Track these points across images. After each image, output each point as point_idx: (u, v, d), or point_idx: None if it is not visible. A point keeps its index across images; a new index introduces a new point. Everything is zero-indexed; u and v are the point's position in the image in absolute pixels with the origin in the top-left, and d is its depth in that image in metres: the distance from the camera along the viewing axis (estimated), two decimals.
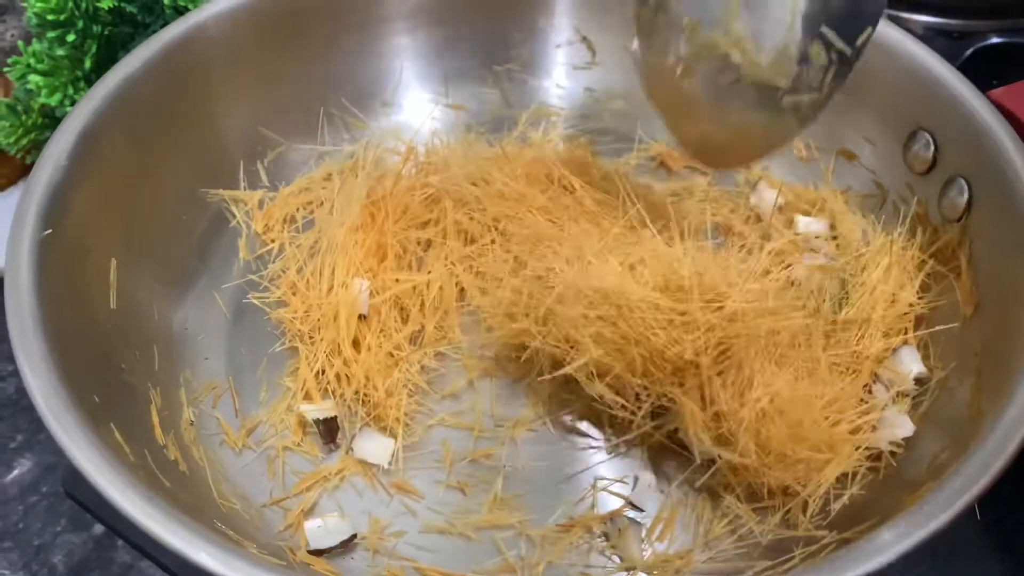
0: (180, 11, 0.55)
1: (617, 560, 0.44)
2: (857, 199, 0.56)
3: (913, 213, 0.52)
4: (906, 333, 0.50)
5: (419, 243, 0.54)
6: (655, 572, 0.43)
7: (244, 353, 0.51)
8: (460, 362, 0.51)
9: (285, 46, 0.57)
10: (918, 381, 0.48)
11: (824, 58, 0.45)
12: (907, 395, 0.48)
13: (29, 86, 0.54)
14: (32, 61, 0.54)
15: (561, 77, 0.64)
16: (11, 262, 0.42)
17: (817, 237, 0.55)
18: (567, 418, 0.49)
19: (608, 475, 0.47)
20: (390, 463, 0.47)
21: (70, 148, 0.46)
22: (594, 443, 0.48)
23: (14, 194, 0.59)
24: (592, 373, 0.45)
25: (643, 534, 0.44)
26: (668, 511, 0.45)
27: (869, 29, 0.44)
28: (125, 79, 0.50)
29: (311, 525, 0.44)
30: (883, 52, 0.52)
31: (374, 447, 0.47)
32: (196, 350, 0.51)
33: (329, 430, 0.47)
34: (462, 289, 0.53)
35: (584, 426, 0.49)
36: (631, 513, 0.45)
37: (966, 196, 0.49)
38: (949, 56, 0.53)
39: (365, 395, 0.48)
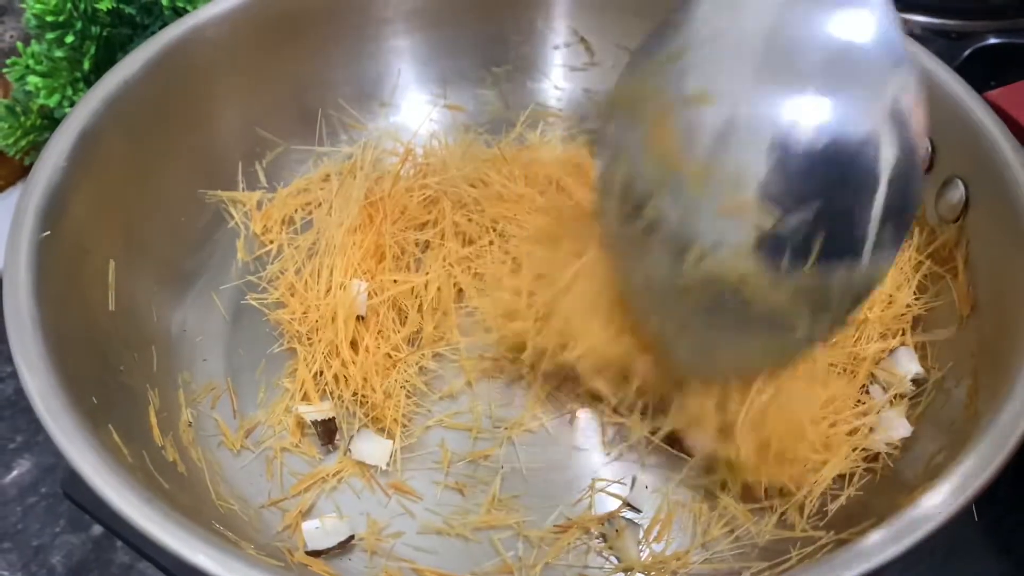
0: (179, 12, 0.55)
1: (615, 561, 0.44)
2: None
3: None
4: (903, 334, 0.50)
5: (417, 244, 0.54)
6: (652, 573, 0.43)
7: (242, 354, 0.51)
8: (458, 363, 0.51)
9: (283, 47, 0.57)
10: (915, 382, 0.48)
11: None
12: (904, 396, 0.48)
13: (28, 87, 0.54)
14: (31, 62, 0.54)
15: (559, 78, 0.64)
16: (10, 263, 0.42)
17: None
18: (565, 419, 0.49)
19: (605, 476, 0.47)
20: (388, 464, 0.47)
21: (69, 149, 0.46)
22: (592, 444, 0.48)
23: (11, 196, 0.59)
24: (591, 368, 0.45)
25: (640, 535, 0.44)
26: (665, 512, 0.45)
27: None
28: (124, 80, 0.50)
29: (309, 526, 0.44)
30: None
31: (372, 448, 0.47)
32: (194, 351, 0.51)
33: (327, 431, 0.47)
34: (460, 290, 0.53)
35: (582, 427, 0.49)
36: (628, 514, 0.46)
37: (963, 197, 0.49)
38: (947, 57, 0.53)
39: (363, 396, 0.48)
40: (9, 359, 0.39)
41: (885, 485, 0.45)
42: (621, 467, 0.47)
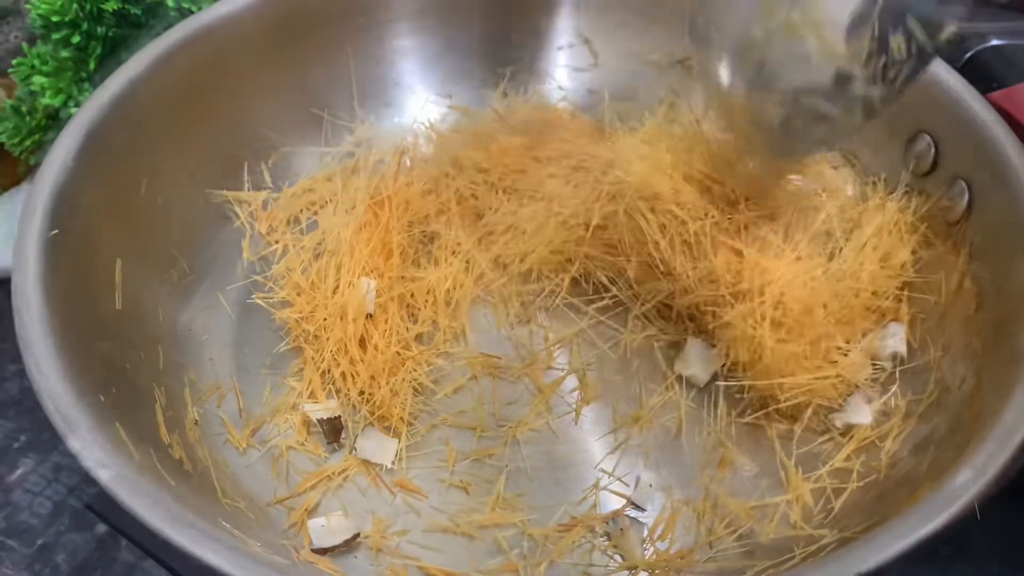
0: (184, 13, 0.55)
1: (619, 559, 0.44)
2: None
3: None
4: (899, 303, 0.50)
5: (425, 236, 0.54)
6: (656, 571, 0.43)
7: (248, 353, 0.51)
8: (464, 361, 0.51)
9: (288, 48, 0.57)
10: (895, 358, 0.49)
11: (904, 51, 0.42)
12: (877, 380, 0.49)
13: (33, 87, 0.54)
14: (36, 62, 0.54)
15: (563, 79, 0.64)
16: (18, 262, 0.42)
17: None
18: (570, 417, 0.49)
19: (610, 474, 0.47)
20: (393, 462, 0.47)
21: (76, 149, 0.46)
22: (596, 443, 0.48)
23: (10, 198, 0.59)
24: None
25: (644, 533, 0.45)
26: (669, 511, 0.45)
27: (953, 26, 0.41)
28: (130, 81, 0.50)
29: (315, 524, 0.44)
30: None
31: (377, 446, 0.47)
32: (200, 350, 0.51)
33: (333, 429, 0.48)
34: (480, 275, 0.54)
35: (587, 426, 0.49)
36: (633, 513, 0.46)
37: (966, 198, 0.49)
38: (950, 58, 0.53)
39: (369, 394, 0.48)
40: (15, 358, 0.40)
41: (888, 484, 0.45)
42: (625, 465, 0.47)
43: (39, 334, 0.40)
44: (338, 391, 0.49)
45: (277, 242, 0.56)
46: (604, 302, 0.53)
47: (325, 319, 0.49)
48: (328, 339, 0.49)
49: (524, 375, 0.51)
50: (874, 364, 0.49)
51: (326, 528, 0.44)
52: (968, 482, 0.37)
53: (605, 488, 0.47)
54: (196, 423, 0.47)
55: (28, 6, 0.54)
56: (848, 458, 0.46)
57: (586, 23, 0.63)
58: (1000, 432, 0.38)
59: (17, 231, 0.43)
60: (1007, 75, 0.53)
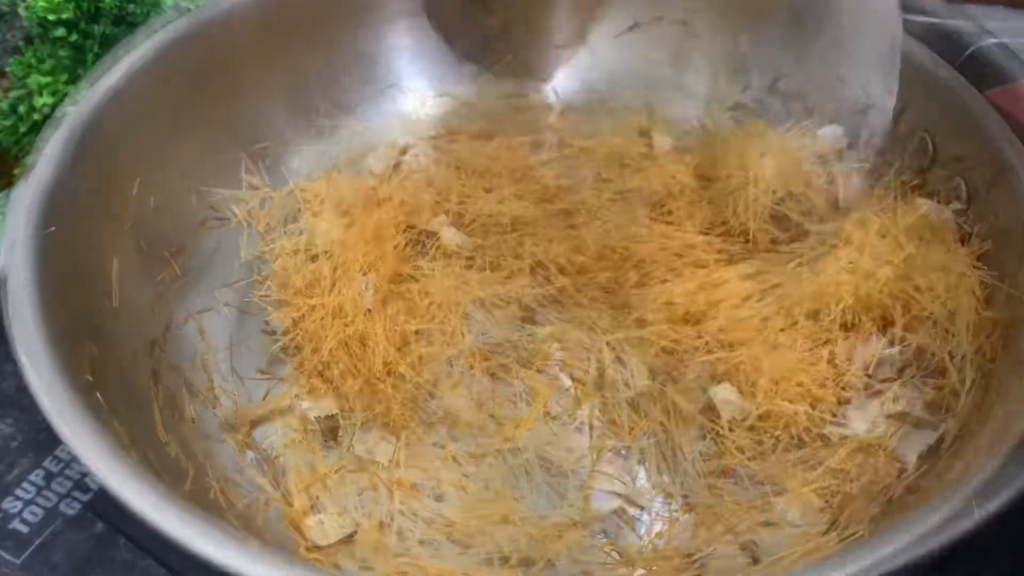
0: (181, 11, 0.55)
1: (617, 557, 0.44)
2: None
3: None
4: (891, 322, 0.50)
5: (423, 235, 0.54)
6: (654, 569, 0.43)
7: (245, 352, 0.51)
8: (462, 360, 0.51)
9: (285, 46, 0.57)
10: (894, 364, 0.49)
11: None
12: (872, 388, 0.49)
13: (31, 86, 0.54)
14: (34, 61, 0.54)
15: (562, 78, 0.64)
16: (11, 260, 0.42)
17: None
18: (569, 416, 0.49)
19: (608, 473, 0.47)
20: (390, 460, 0.47)
21: (71, 146, 0.46)
22: (595, 442, 0.48)
23: (8, 198, 0.58)
24: None
25: (643, 531, 0.45)
26: (668, 509, 0.45)
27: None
28: (126, 77, 0.50)
29: (312, 522, 0.44)
30: None
31: (375, 444, 0.47)
32: (197, 348, 0.51)
33: (330, 427, 0.48)
34: (479, 274, 0.54)
35: (585, 424, 0.49)
36: (631, 511, 0.46)
37: (964, 196, 0.49)
38: (948, 56, 0.53)
39: (367, 393, 0.48)
40: (11, 356, 0.39)
41: (888, 484, 0.45)
42: (624, 464, 0.47)
43: (34, 333, 0.40)
44: (336, 389, 0.49)
45: (274, 240, 0.56)
46: (604, 301, 0.53)
47: (322, 317, 0.49)
48: (326, 337, 0.49)
49: (523, 375, 0.51)
50: (875, 371, 0.49)
51: (323, 526, 0.44)
52: (968, 481, 0.36)
53: (603, 488, 0.46)
54: (193, 422, 0.47)
55: (26, 5, 0.54)
56: (848, 460, 0.46)
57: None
58: (1005, 434, 0.38)
59: (10, 229, 0.43)
60: (1006, 73, 0.53)
